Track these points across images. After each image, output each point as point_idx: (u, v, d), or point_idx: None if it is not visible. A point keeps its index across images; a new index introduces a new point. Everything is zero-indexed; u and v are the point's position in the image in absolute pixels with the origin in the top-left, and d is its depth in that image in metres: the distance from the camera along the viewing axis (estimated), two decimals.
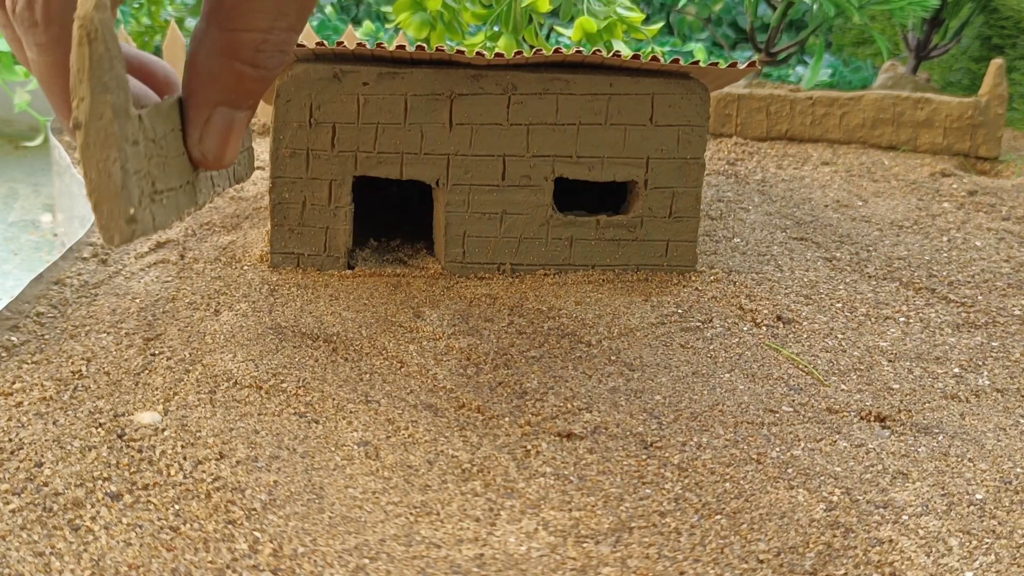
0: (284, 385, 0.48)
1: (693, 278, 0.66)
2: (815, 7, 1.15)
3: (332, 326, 0.55)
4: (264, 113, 1.09)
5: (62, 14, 0.34)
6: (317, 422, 0.45)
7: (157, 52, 1.30)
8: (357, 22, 1.70)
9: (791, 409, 0.49)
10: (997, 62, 1.07)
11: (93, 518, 0.37)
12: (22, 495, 0.38)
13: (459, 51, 0.61)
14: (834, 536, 0.39)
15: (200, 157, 0.40)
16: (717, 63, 0.62)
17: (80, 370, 0.48)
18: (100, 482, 0.39)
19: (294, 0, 0.37)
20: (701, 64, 0.62)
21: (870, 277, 0.70)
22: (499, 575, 0.35)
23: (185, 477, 0.40)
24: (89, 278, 0.60)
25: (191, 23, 1.36)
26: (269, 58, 0.38)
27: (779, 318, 0.61)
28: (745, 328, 0.59)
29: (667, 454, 0.44)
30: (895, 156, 1.07)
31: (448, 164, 0.63)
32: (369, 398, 0.47)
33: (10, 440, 0.41)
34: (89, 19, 0.31)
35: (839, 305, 0.64)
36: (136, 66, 0.43)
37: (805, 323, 0.60)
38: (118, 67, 0.33)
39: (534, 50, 0.74)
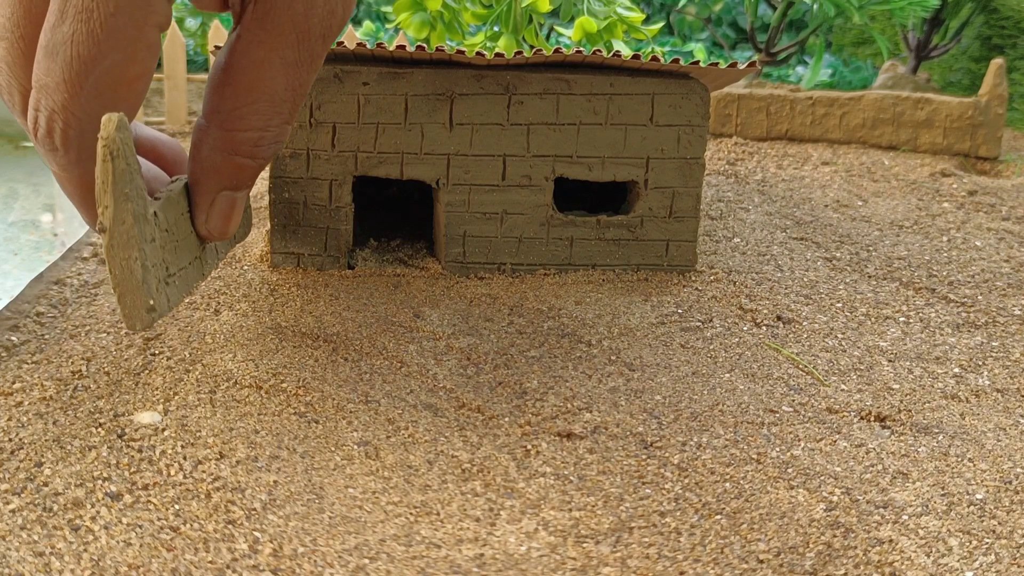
0: (284, 385, 0.48)
1: (693, 278, 0.66)
2: (815, 7, 1.15)
3: (332, 326, 0.55)
4: None
5: (79, 140, 0.38)
6: (317, 422, 0.45)
7: None
8: (357, 22, 1.71)
9: (791, 409, 0.49)
10: (997, 62, 1.07)
11: (93, 518, 0.37)
12: (22, 495, 0.38)
13: (459, 51, 0.61)
14: (834, 536, 0.39)
15: (207, 234, 0.45)
16: (717, 63, 0.62)
17: (80, 370, 0.48)
18: (100, 482, 0.39)
19: (287, 101, 0.42)
20: (701, 64, 0.62)
21: (870, 277, 0.70)
22: (499, 575, 0.35)
23: (185, 477, 0.40)
24: (89, 278, 0.60)
25: (191, 23, 1.36)
26: (266, 150, 0.43)
27: (779, 318, 0.61)
28: (745, 328, 0.59)
29: (667, 454, 0.44)
30: (895, 156, 1.07)
31: (448, 164, 0.63)
32: (369, 398, 0.47)
33: (10, 440, 0.41)
34: (112, 139, 0.36)
35: (839, 305, 0.64)
36: (148, 148, 0.49)
37: (805, 323, 0.60)
38: (137, 179, 0.38)
39: (534, 50, 0.74)
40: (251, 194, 0.80)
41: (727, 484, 0.42)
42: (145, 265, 0.39)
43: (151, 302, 0.39)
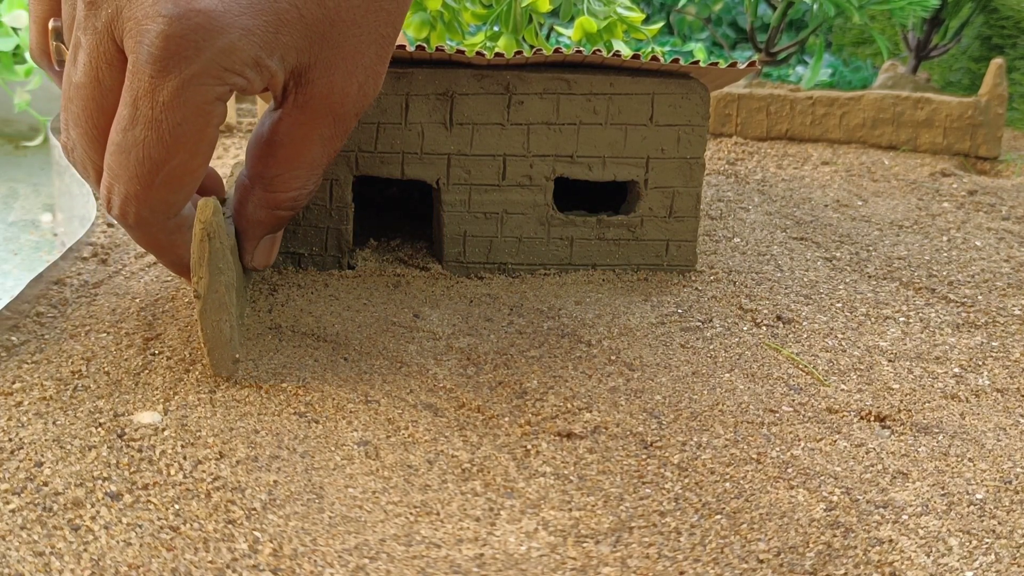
0: (284, 385, 0.48)
1: (693, 278, 0.66)
2: (815, 7, 1.15)
3: (332, 326, 0.55)
4: None
5: (150, 218, 0.45)
6: (317, 422, 0.45)
7: None
8: None
9: (791, 409, 0.49)
10: (997, 62, 1.07)
11: (93, 518, 0.37)
12: (22, 495, 0.38)
13: (459, 51, 0.61)
14: (834, 536, 0.39)
15: (253, 267, 0.54)
16: (717, 63, 0.62)
17: (80, 370, 0.48)
18: (100, 482, 0.39)
19: (323, 164, 0.49)
20: (701, 64, 0.62)
21: (870, 277, 0.70)
22: (499, 575, 0.35)
23: (185, 477, 0.40)
24: (89, 278, 0.60)
25: None
26: (303, 202, 0.51)
27: (779, 318, 0.61)
28: (745, 328, 0.59)
29: (667, 454, 0.44)
30: (895, 156, 1.07)
31: (448, 164, 0.63)
32: (369, 398, 0.47)
33: (10, 440, 0.41)
34: (210, 223, 0.44)
35: (839, 305, 0.64)
36: None
37: (805, 323, 0.60)
38: (228, 255, 0.46)
39: (534, 50, 0.74)
40: None
41: (727, 484, 0.42)
42: (232, 325, 0.46)
43: (236, 356, 0.48)
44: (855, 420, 0.49)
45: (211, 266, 0.45)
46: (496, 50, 0.65)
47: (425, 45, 0.61)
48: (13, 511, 0.37)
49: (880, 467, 0.44)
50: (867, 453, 0.45)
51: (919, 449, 0.46)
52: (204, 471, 0.40)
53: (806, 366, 0.54)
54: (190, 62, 0.40)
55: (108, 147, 0.43)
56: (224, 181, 0.58)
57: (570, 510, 0.40)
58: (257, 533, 0.36)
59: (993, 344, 0.59)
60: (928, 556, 0.38)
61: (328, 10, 0.44)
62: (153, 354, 0.50)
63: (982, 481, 0.43)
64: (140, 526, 0.36)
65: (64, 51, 0.48)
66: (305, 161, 0.48)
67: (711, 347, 0.56)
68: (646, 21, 1.24)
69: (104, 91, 0.43)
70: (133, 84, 0.41)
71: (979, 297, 0.66)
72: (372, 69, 0.47)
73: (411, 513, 0.39)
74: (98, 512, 0.37)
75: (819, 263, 0.72)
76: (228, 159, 0.94)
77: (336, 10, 0.44)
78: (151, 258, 0.65)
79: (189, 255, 0.45)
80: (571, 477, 0.42)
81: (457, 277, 0.64)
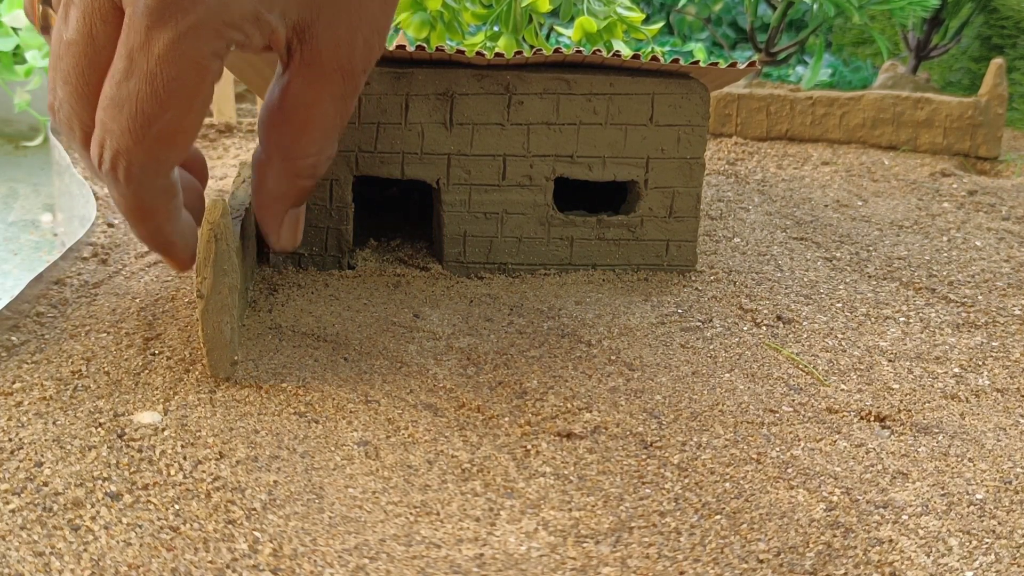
0: (284, 385, 0.48)
1: (693, 278, 0.66)
2: (815, 7, 1.15)
3: (332, 326, 0.55)
4: None
5: (140, 175, 0.43)
6: (317, 422, 0.45)
7: None
8: None
9: (791, 409, 0.49)
10: (997, 62, 1.07)
11: (93, 518, 0.37)
12: (22, 495, 0.38)
13: (459, 51, 0.61)
14: (834, 536, 0.39)
15: (281, 248, 0.53)
16: (717, 63, 0.62)
17: (80, 370, 0.48)
18: (100, 482, 0.39)
19: (337, 126, 0.48)
20: (701, 64, 0.62)
21: (870, 277, 0.70)
22: (499, 575, 0.35)
23: (185, 477, 0.40)
24: (89, 278, 0.60)
25: None
26: (322, 168, 0.49)
27: (779, 318, 0.61)
28: (745, 328, 0.59)
29: (667, 454, 0.44)
30: (895, 156, 1.07)
31: (448, 164, 0.63)
32: (369, 398, 0.47)
33: (10, 440, 0.41)
34: (217, 224, 0.44)
35: (839, 305, 0.64)
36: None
37: (805, 323, 0.60)
38: (234, 257, 0.46)
39: (534, 50, 0.74)
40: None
41: (727, 484, 0.42)
42: (233, 327, 0.47)
43: (236, 357, 0.48)
44: (855, 420, 0.49)
45: (216, 267, 0.45)
46: (496, 50, 0.65)
47: (425, 45, 0.61)
48: (13, 511, 0.37)
49: (880, 467, 0.44)
50: (867, 453, 0.45)
51: (919, 449, 0.46)
52: (204, 471, 0.40)
53: (806, 366, 0.54)
54: (187, 14, 0.40)
55: (101, 101, 0.42)
56: (231, 182, 0.58)
57: (570, 510, 0.40)
58: (257, 533, 0.36)
59: (993, 344, 0.59)
60: (928, 556, 0.38)
61: None
62: (153, 354, 0.50)
63: (982, 481, 0.43)
64: (140, 526, 0.36)
65: (52, 15, 0.48)
66: (319, 123, 0.47)
67: (711, 347, 0.56)
68: (646, 21, 1.24)
69: (97, 47, 0.42)
70: (129, 37, 0.41)
71: (979, 297, 0.66)
72: (376, 23, 0.46)
73: (411, 513, 0.39)
74: (98, 512, 0.37)
75: (819, 263, 0.72)
76: (228, 159, 0.94)
77: None
78: (151, 258, 0.65)
79: (168, 226, 0.45)
80: (571, 477, 0.42)
81: (457, 277, 0.64)
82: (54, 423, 0.43)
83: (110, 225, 0.70)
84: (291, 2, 0.43)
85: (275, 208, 0.51)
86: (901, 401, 0.51)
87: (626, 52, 0.70)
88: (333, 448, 0.43)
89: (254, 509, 0.38)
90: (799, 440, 0.46)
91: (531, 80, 0.62)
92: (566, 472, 0.42)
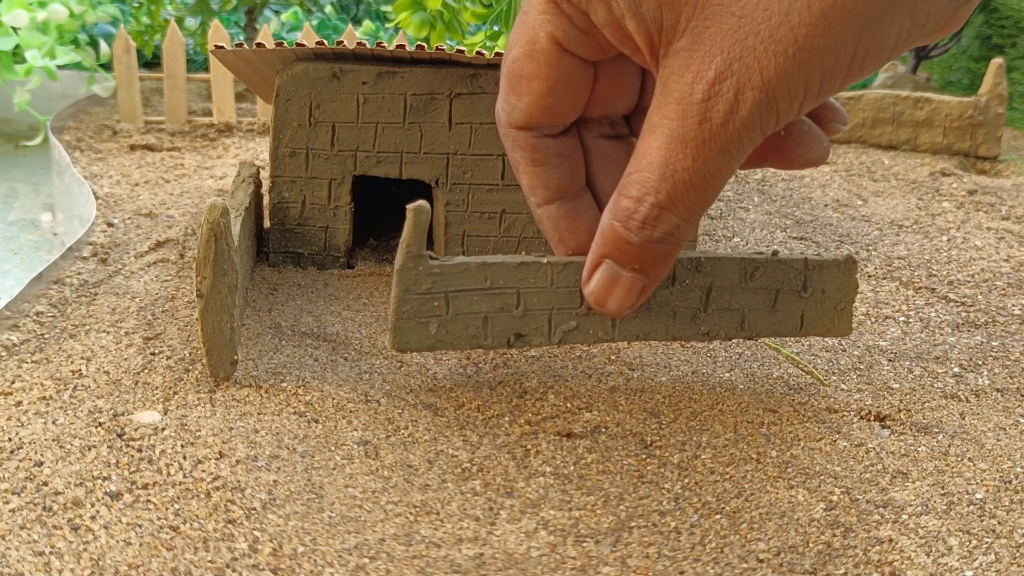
0: (284, 384, 0.48)
1: None
2: None
3: (332, 326, 0.55)
4: (264, 112, 1.09)
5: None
6: (317, 421, 0.45)
7: (157, 51, 1.30)
8: (357, 21, 1.71)
9: (791, 409, 0.49)
10: (997, 62, 1.07)
11: (93, 517, 0.37)
12: (22, 494, 0.38)
13: (459, 51, 0.61)
14: (834, 536, 0.39)
15: (587, 296, 0.44)
16: None
17: (80, 369, 0.48)
18: (100, 481, 0.39)
19: (663, 179, 0.38)
20: None
21: (870, 277, 0.70)
22: (499, 574, 0.35)
23: (185, 476, 0.40)
24: (89, 277, 0.60)
25: (191, 23, 1.36)
26: (639, 227, 0.40)
27: None
28: None
29: (667, 454, 0.44)
30: (895, 155, 1.07)
31: (448, 163, 0.63)
32: (369, 397, 0.47)
33: (10, 440, 0.41)
34: (217, 224, 0.44)
35: None
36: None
37: None
38: (234, 256, 0.46)
39: None
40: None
41: (727, 484, 0.42)
42: (232, 327, 0.47)
43: (235, 357, 0.47)
44: (855, 420, 0.49)
45: (216, 267, 0.45)
46: (496, 50, 0.65)
47: (425, 45, 0.61)
48: (13, 511, 0.37)
49: (880, 467, 0.44)
50: (867, 453, 0.45)
51: (919, 449, 0.46)
52: (204, 471, 0.40)
53: (806, 366, 0.54)
54: None
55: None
56: (231, 182, 0.58)
57: (570, 510, 0.40)
58: (257, 533, 0.36)
59: (993, 344, 0.59)
60: (928, 556, 0.38)
61: None
62: (153, 354, 0.50)
63: (982, 481, 0.43)
64: (140, 526, 0.36)
65: None
66: (645, 159, 0.38)
67: (711, 347, 0.56)
68: None
69: None
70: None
71: (979, 297, 0.66)
72: (755, 65, 0.34)
73: (411, 513, 0.39)
74: (98, 512, 0.37)
75: None
76: (228, 158, 0.94)
77: None
78: (151, 257, 0.65)
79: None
80: (571, 477, 0.42)
81: None
82: (54, 423, 0.43)
83: (110, 225, 0.70)
84: None
85: (595, 243, 0.42)
86: (901, 401, 0.51)
87: None
88: (333, 448, 0.43)
89: (254, 509, 0.38)
90: (799, 440, 0.46)
91: None
92: (566, 472, 0.42)
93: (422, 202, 0.43)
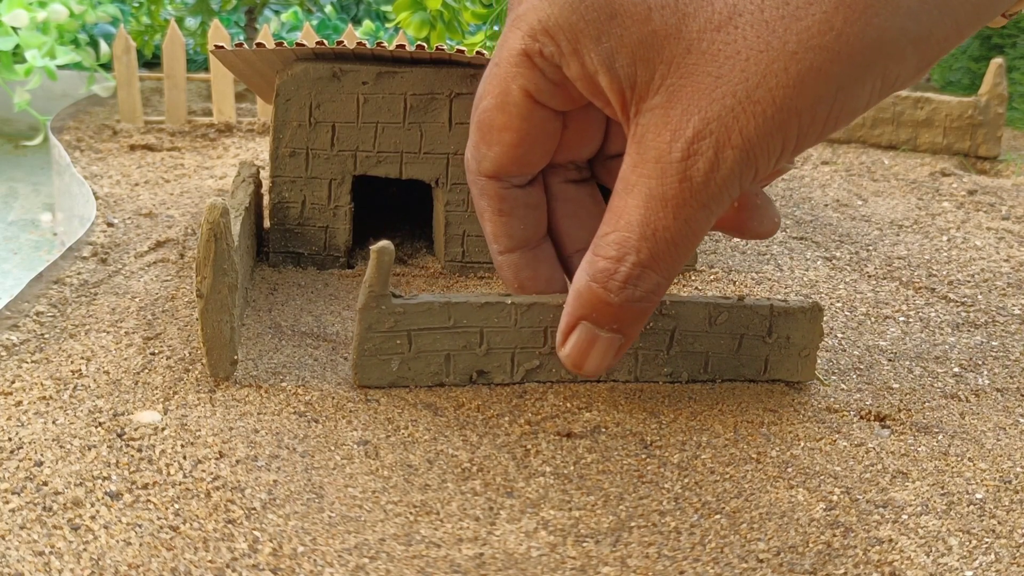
0: (284, 384, 0.48)
1: (693, 277, 0.66)
2: None
3: (332, 325, 0.55)
4: (264, 112, 1.09)
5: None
6: (317, 421, 0.45)
7: (157, 51, 1.30)
8: (357, 21, 1.71)
9: (791, 409, 0.49)
10: (997, 62, 1.07)
11: (93, 517, 0.37)
12: (22, 494, 0.38)
13: (459, 51, 0.61)
14: (834, 535, 0.39)
15: (563, 359, 0.43)
16: None
17: (80, 369, 0.48)
18: (100, 481, 0.39)
19: (642, 239, 0.38)
20: None
21: (870, 276, 0.70)
22: (499, 574, 0.35)
23: (185, 476, 0.40)
24: (89, 277, 0.60)
25: (191, 23, 1.36)
26: (618, 288, 0.39)
27: None
28: None
29: (667, 453, 0.44)
30: (895, 155, 1.07)
31: (448, 163, 0.63)
32: (369, 397, 0.47)
33: (10, 439, 0.41)
34: (216, 224, 0.44)
35: (839, 304, 0.64)
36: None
37: None
38: (233, 256, 0.46)
39: None
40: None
41: (727, 483, 0.42)
42: (232, 327, 0.47)
43: (235, 357, 0.47)
44: (855, 420, 0.49)
45: (216, 267, 0.45)
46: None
47: (425, 45, 0.61)
48: (13, 511, 0.37)
49: (880, 467, 0.44)
50: (867, 453, 0.45)
51: (919, 449, 0.46)
52: (204, 471, 0.40)
53: None
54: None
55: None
56: (231, 182, 0.58)
57: (570, 510, 0.40)
58: (257, 533, 0.36)
59: (993, 344, 0.59)
60: (928, 556, 0.38)
61: (682, 22, 0.35)
62: (153, 354, 0.50)
63: (982, 481, 0.43)
64: (140, 526, 0.36)
65: None
66: (622, 219, 0.38)
67: None
68: None
69: None
70: None
71: (979, 297, 0.66)
72: (734, 124, 0.35)
73: (411, 513, 0.39)
74: (98, 512, 0.37)
75: (819, 262, 0.72)
76: (228, 158, 0.94)
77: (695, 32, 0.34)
78: (151, 257, 0.65)
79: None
80: (571, 477, 0.42)
81: (457, 276, 0.64)
82: (54, 423, 0.43)
83: (110, 224, 0.70)
84: (623, 44, 0.36)
85: (570, 304, 0.42)
86: (901, 401, 0.51)
87: None
88: (333, 447, 0.43)
89: (254, 508, 0.38)
90: (799, 440, 0.46)
91: None
92: (566, 471, 0.42)
93: (385, 243, 0.44)
